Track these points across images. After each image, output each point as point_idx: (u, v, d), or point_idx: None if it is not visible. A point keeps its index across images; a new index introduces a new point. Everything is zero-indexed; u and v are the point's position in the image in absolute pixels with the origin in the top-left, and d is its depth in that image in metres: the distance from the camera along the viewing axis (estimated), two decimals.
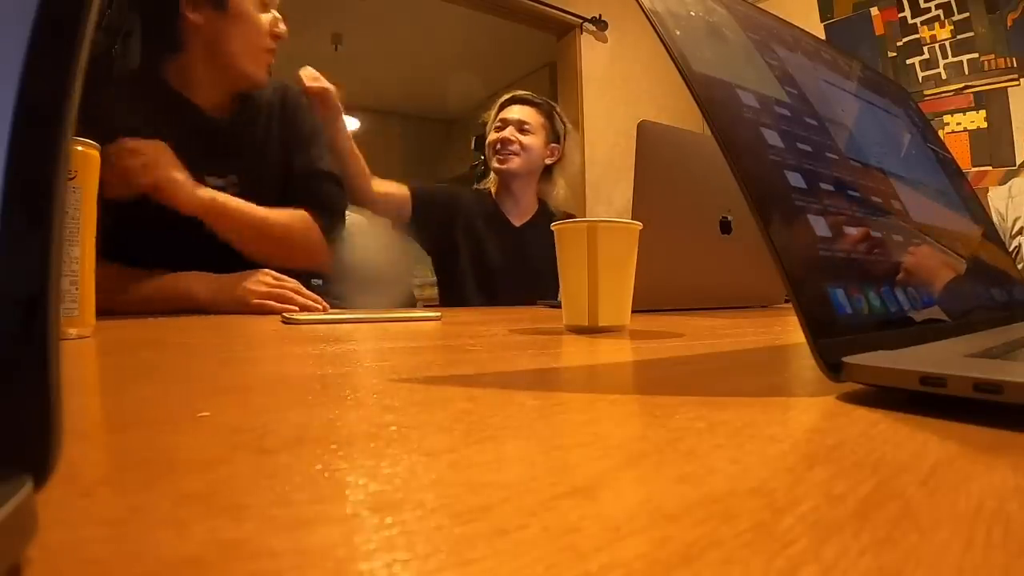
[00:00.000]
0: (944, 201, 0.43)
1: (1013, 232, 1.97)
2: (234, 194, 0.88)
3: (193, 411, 0.19)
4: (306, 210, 0.93)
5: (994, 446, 0.15)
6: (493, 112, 1.44)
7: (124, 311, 0.70)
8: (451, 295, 1.36)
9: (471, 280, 1.33)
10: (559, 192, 1.47)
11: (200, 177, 0.86)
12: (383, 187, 1.26)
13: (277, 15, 0.91)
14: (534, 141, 1.38)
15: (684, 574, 0.08)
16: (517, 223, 1.41)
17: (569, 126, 1.46)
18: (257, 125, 0.95)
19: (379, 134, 4.54)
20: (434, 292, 1.47)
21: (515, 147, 1.35)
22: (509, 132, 1.36)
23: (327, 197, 0.99)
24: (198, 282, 0.79)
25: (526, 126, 1.37)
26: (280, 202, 0.92)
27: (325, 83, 1.08)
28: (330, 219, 0.97)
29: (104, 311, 0.48)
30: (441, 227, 1.34)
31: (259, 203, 0.89)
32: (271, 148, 0.95)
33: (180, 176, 0.79)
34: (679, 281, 0.79)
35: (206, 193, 0.81)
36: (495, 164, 1.37)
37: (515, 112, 1.39)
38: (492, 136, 1.38)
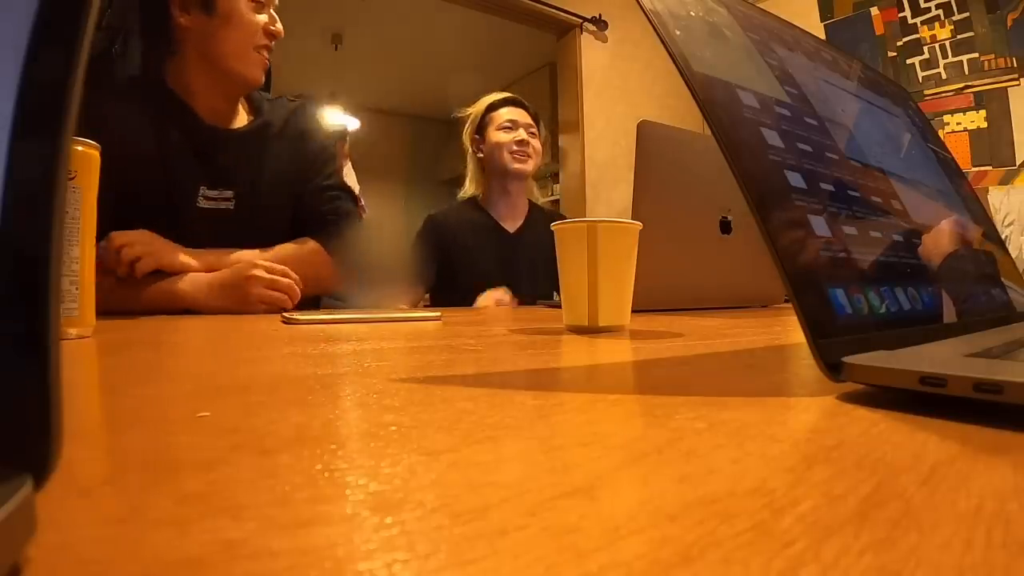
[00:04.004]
0: (944, 201, 0.43)
1: (1005, 223, 2.03)
2: (228, 208, 0.89)
3: (193, 411, 0.19)
4: (316, 233, 0.94)
5: (994, 446, 0.15)
6: (479, 110, 1.42)
7: (110, 310, 0.70)
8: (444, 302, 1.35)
9: (472, 295, 1.32)
10: (537, 193, 1.48)
11: (195, 189, 0.86)
12: None
13: (274, 15, 0.90)
14: (539, 146, 1.39)
15: (684, 574, 0.08)
16: (511, 229, 1.39)
17: (546, 131, 1.46)
18: (264, 142, 0.95)
19: (379, 134, 4.54)
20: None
21: (530, 149, 1.36)
22: (525, 134, 1.36)
23: (340, 214, 0.99)
24: (188, 285, 0.79)
25: (532, 129, 1.38)
26: (284, 221, 0.93)
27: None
28: (339, 238, 0.97)
29: (102, 312, 0.48)
30: (436, 261, 1.33)
31: (253, 220, 0.89)
32: (276, 167, 0.95)
33: (183, 256, 0.81)
34: (679, 281, 0.78)
35: (225, 259, 0.82)
36: (514, 165, 1.35)
37: (521, 115, 1.39)
38: (503, 137, 1.36)
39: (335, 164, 1.03)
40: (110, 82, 0.86)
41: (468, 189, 1.44)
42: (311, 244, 0.94)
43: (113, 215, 0.80)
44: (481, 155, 1.40)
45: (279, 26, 0.91)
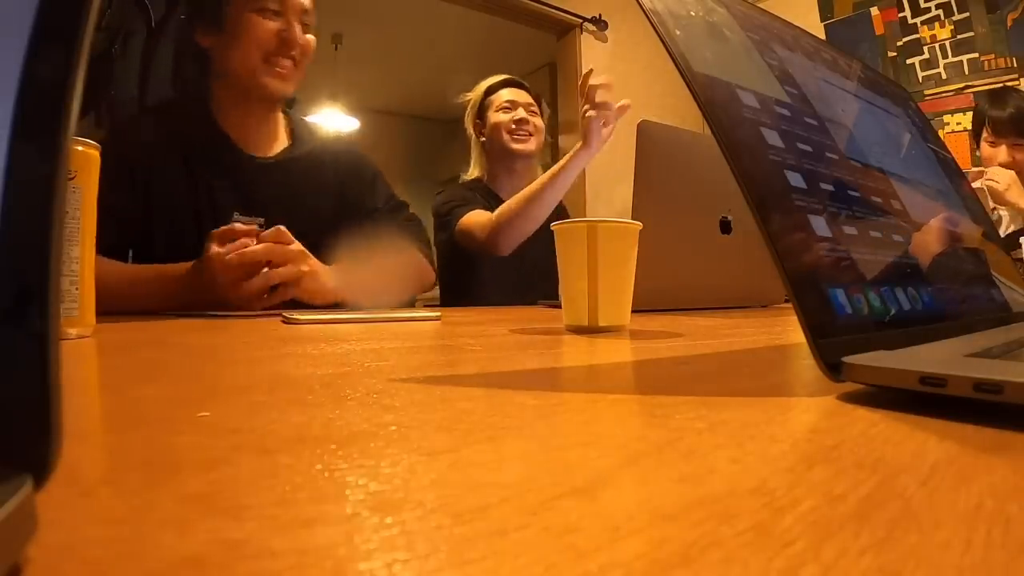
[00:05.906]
0: (944, 201, 0.43)
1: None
2: (259, 229, 0.90)
3: (193, 411, 0.19)
4: (402, 243, 0.98)
5: (994, 446, 0.15)
6: (479, 94, 1.42)
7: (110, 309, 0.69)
8: (460, 294, 1.33)
9: (481, 278, 1.31)
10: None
11: (229, 213, 0.87)
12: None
13: (291, 21, 0.88)
14: (542, 124, 1.39)
15: (684, 574, 0.08)
16: None
17: (547, 110, 1.46)
18: (302, 171, 0.95)
19: (379, 134, 4.53)
20: (434, 292, 1.45)
21: (531, 127, 1.36)
22: (525, 113, 1.36)
23: (414, 220, 1.08)
24: (174, 293, 0.78)
25: (532, 108, 1.38)
26: (321, 246, 0.91)
27: None
28: (423, 240, 1.06)
29: (103, 311, 0.48)
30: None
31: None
32: (312, 191, 0.96)
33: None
34: (679, 281, 0.78)
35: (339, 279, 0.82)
36: (514, 145, 1.34)
37: (519, 95, 1.38)
38: (502, 117, 1.36)
39: (389, 187, 1.10)
40: (148, 110, 0.89)
41: (472, 173, 1.45)
42: (411, 253, 0.98)
43: (145, 229, 0.82)
44: (483, 138, 1.40)
45: (295, 32, 0.88)
